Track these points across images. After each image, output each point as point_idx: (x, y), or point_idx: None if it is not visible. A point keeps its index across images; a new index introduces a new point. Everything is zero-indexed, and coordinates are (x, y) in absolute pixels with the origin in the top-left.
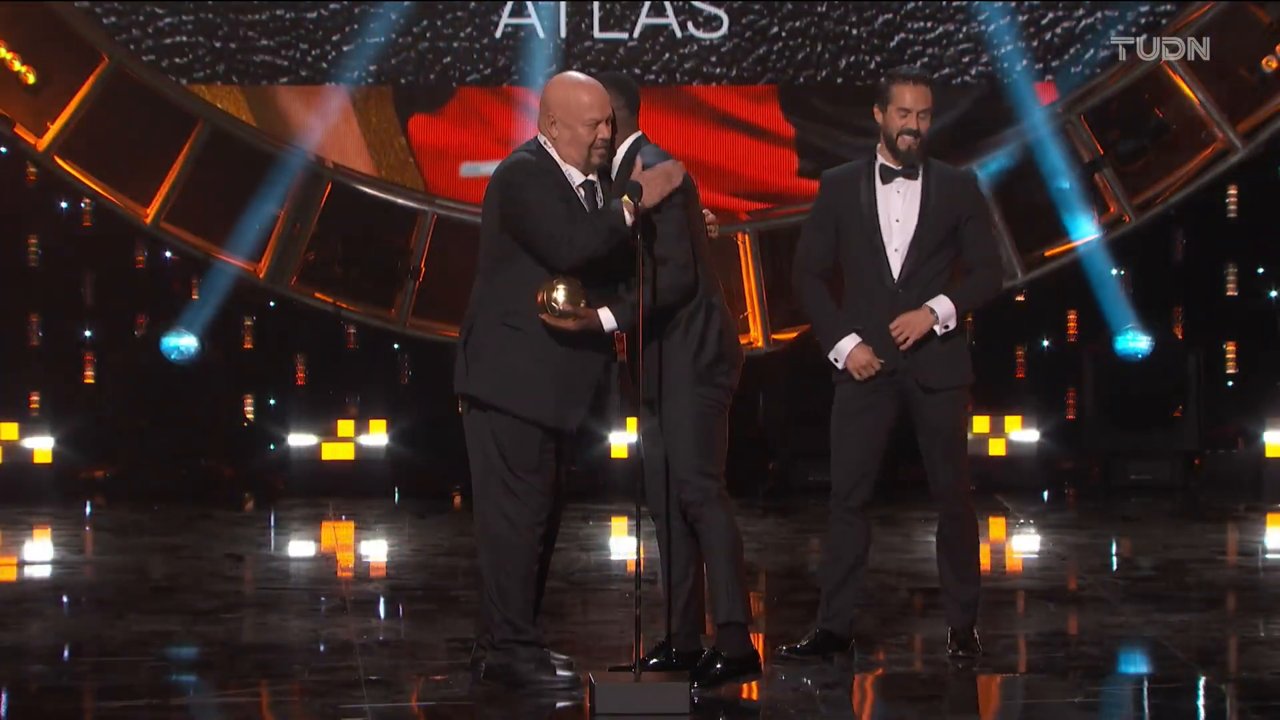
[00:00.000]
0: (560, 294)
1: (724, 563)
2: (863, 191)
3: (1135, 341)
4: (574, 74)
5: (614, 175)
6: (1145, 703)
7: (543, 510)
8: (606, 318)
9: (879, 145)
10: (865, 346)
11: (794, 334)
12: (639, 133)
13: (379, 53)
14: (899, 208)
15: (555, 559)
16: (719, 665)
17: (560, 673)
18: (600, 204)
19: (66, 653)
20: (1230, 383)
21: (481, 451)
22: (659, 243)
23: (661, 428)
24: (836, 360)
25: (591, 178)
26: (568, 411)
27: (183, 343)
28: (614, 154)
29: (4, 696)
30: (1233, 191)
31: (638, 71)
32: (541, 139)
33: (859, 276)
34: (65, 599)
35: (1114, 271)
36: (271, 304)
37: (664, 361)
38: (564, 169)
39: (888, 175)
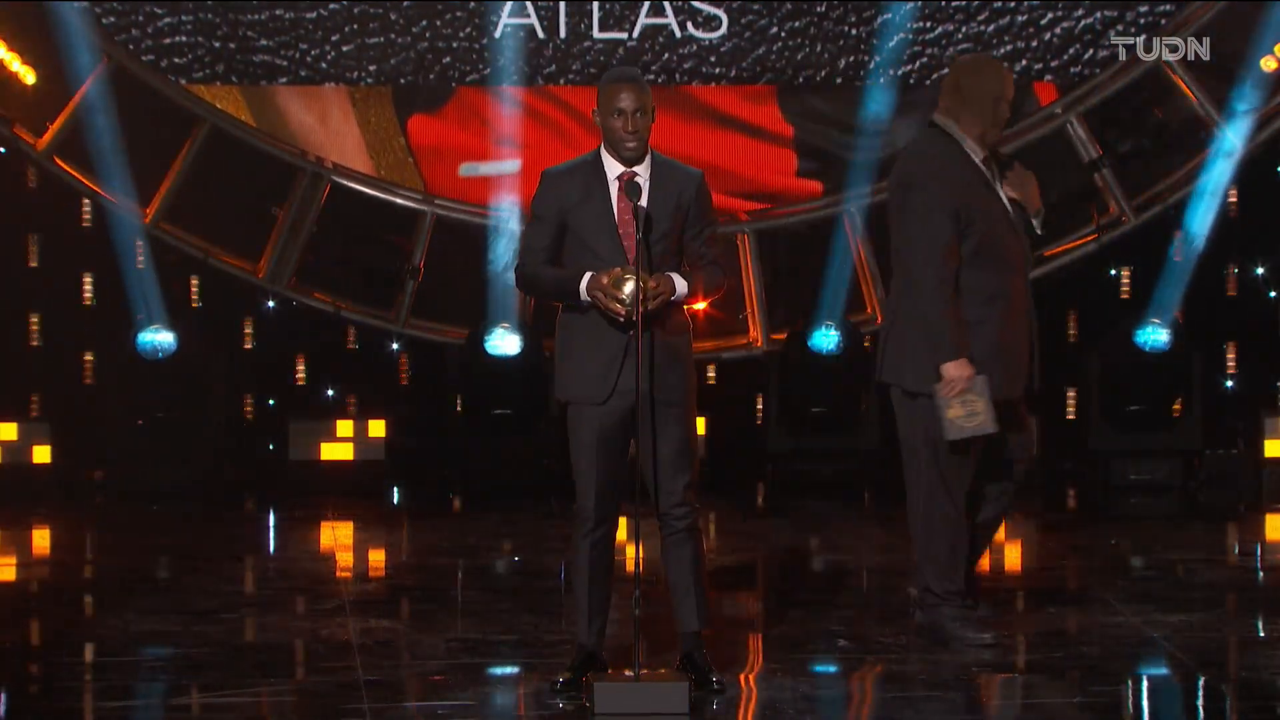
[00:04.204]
0: (629, 287)
1: (703, 573)
2: None
3: (1156, 335)
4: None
5: None
6: (1145, 703)
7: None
8: (680, 284)
9: None
10: None
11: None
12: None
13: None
14: None
15: (550, 560)
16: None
17: (983, 634)
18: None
19: (66, 653)
20: (1230, 383)
21: (923, 435)
22: (717, 247)
23: (670, 430)
24: None
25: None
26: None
27: (159, 338)
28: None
29: (4, 696)
30: (1233, 191)
31: None
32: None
33: None
34: (65, 599)
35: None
36: (271, 304)
37: (691, 367)
38: None
39: None
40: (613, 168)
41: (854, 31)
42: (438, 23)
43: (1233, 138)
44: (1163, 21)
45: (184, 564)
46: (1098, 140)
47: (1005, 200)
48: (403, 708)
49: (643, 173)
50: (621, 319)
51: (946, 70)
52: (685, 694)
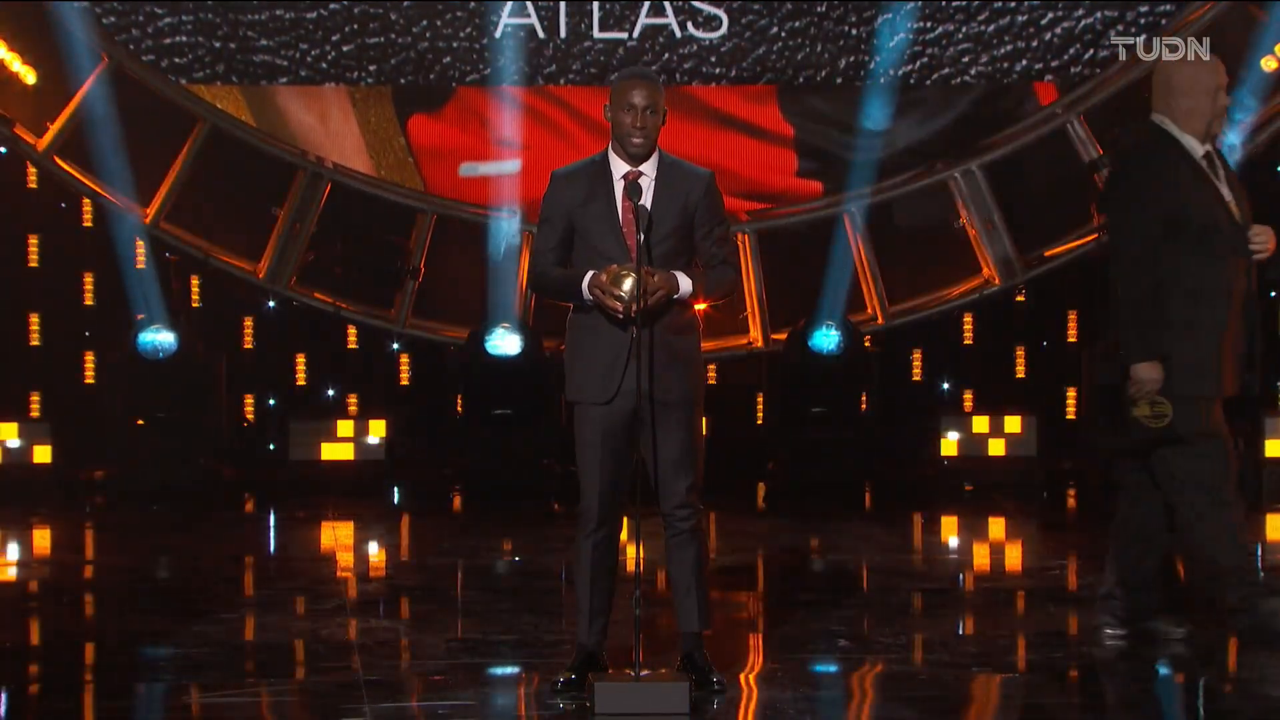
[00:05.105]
0: (628, 284)
1: (704, 574)
2: None
3: None
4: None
5: None
6: (1145, 703)
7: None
8: (684, 282)
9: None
10: None
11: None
12: None
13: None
14: None
15: (550, 560)
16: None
17: (1105, 619)
18: None
19: (66, 653)
20: None
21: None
22: (728, 248)
23: (672, 431)
24: None
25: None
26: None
27: (160, 338)
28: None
29: (4, 696)
30: None
31: None
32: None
33: None
34: (65, 599)
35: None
36: (271, 304)
37: (696, 369)
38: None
39: None
40: (619, 167)
41: (854, 31)
42: (438, 23)
43: (1233, 138)
44: (1163, 21)
45: (184, 564)
46: (1098, 140)
47: (1229, 197)
48: (403, 708)
49: (649, 172)
50: (620, 315)
51: (947, 70)
52: (685, 694)
